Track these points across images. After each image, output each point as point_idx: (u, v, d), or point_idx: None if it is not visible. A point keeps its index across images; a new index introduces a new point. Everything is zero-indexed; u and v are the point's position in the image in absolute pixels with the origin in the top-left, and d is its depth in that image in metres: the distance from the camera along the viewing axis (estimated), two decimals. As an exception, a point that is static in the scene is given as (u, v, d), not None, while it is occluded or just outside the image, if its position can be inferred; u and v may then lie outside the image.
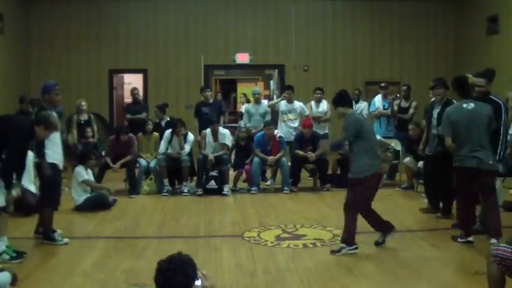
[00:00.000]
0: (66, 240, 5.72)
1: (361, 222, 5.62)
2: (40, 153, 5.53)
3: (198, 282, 2.58)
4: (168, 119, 10.03)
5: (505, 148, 5.76)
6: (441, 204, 6.92)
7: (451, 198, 6.67)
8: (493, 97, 5.74)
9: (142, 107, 10.70)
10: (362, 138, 5.23)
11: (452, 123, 5.50)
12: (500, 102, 5.67)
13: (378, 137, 9.33)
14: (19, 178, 5.33)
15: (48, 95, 5.83)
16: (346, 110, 5.42)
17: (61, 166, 5.87)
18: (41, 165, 5.56)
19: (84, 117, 9.98)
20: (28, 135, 5.19)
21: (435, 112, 6.67)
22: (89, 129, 9.69)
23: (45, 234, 5.70)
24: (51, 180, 5.60)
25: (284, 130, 9.55)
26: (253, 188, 8.79)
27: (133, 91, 10.94)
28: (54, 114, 5.64)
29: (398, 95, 10.28)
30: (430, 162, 6.97)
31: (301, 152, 8.95)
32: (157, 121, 10.01)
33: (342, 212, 5.39)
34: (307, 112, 9.71)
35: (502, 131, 5.59)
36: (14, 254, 5.10)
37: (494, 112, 5.54)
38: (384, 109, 9.68)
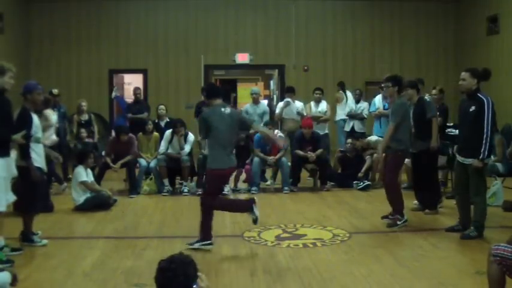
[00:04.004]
0: (45, 241, 5.68)
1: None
2: (26, 155, 5.35)
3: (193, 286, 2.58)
4: (168, 119, 10.05)
5: (489, 146, 5.76)
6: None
7: (438, 193, 7.20)
8: (479, 94, 5.78)
9: (143, 107, 10.71)
10: (211, 133, 5.49)
11: None
12: (484, 99, 5.69)
13: (375, 137, 9.34)
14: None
15: (30, 95, 5.59)
16: (213, 101, 5.61)
17: (45, 169, 5.78)
18: (27, 169, 5.36)
19: (84, 117, 10.01)
20: None
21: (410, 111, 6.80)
22: (83, 130, 9.67)
23: (24, 235, 5.63)
24: (36, 184, 5.48)
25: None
26: (253, 188, 8.79)
27: (136, 91, 10.94)
28: (35, 116, 5.60)
29: (398, 95, 10.27)
30: (414, 160, 7.15)
31: (301, 152, 8.97)
32: (156, 121, 10.01)
33: (342, 212, 5.39)
34: (305, 113, 9.76)
35: (485, 129, 5.63)
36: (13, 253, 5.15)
37: (479, 109, 5.67)
38: (384, 109, 9.67)
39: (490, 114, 5.64)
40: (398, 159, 6.52)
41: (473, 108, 5.72)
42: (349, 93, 11.15)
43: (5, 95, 5.14)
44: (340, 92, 11.19)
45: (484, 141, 5.62)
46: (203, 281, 2.61)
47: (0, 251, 5.03)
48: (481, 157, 5.65)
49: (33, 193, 5.54)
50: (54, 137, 7.89)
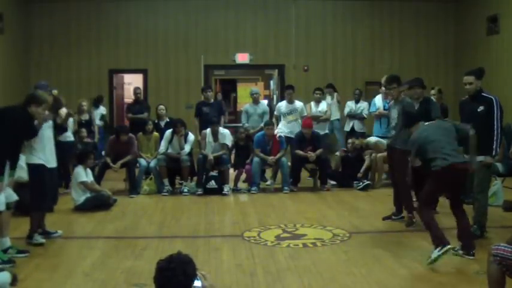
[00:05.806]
0: (42, 240, 5.69)
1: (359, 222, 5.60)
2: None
3: (197, 283, 2.57)
4: (168, 119, 10.05)
5: (500, 143, 5.80)
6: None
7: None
8: (484, 94, 5.82)
9: (143, 107, 10.70)
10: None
11: None
12: (492, 97, 5.75)
13: (375, 138, 9.33)
14: (13, 167, 5.23)
15: None
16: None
17: (51, 165, 5.76)
18: (36, 167, 5.49)
19: (85, 117, 10.02)
20: (22, 120, 5.14)
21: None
22: (83, 130, 9.68)
23: (28, 234, 5.67)
24: (44, 182, 5.54)
25: (284, 130, 9.57)
26: (253, 188, 8.79)
27: (136, 90, 10.94)
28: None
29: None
30: None
31: (301, 152, 8.96)
32: (156, 121, 10.01)
33: (342, 211, 5.38)
34: (305, 113, 9.77)
35: (495, 126, 5.67)
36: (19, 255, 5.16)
37: (488, 108, 5.70)
38: (384, 109, 9.68)
39: (499, 112, 5.71)
40: (405, 158, 6.47)
41: (481, 108, 5.75)
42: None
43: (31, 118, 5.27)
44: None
45: (495, 138, 5.68)
46: (207, 280, 2.61)
47: (5, 252, 5.04)
48: (493, 154, 5.71)
49: (40, 191, 5.56)
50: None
